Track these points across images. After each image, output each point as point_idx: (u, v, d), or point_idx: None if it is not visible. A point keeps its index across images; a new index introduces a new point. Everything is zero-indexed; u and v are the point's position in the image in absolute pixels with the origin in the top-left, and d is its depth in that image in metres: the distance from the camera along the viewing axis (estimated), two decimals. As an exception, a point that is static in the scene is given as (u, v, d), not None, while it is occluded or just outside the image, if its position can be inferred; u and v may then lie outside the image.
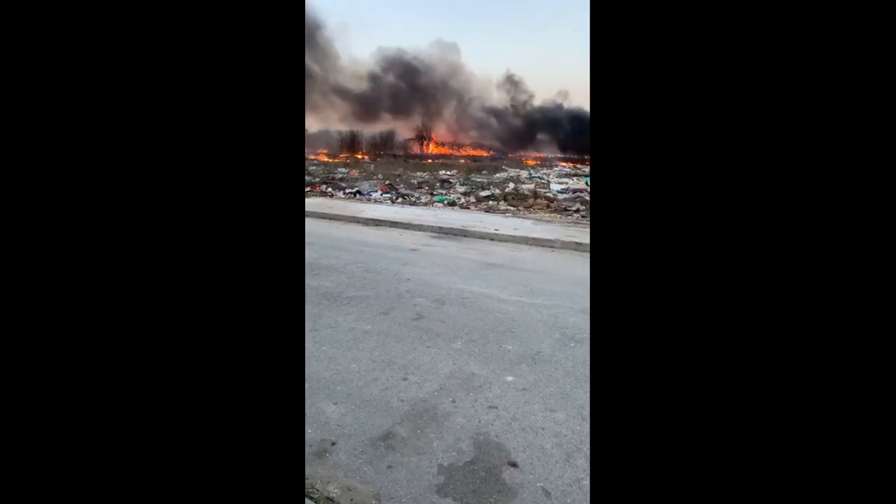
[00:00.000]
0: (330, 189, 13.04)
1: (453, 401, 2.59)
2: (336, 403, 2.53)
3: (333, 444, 2.20)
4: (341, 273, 5.02)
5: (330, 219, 8.69)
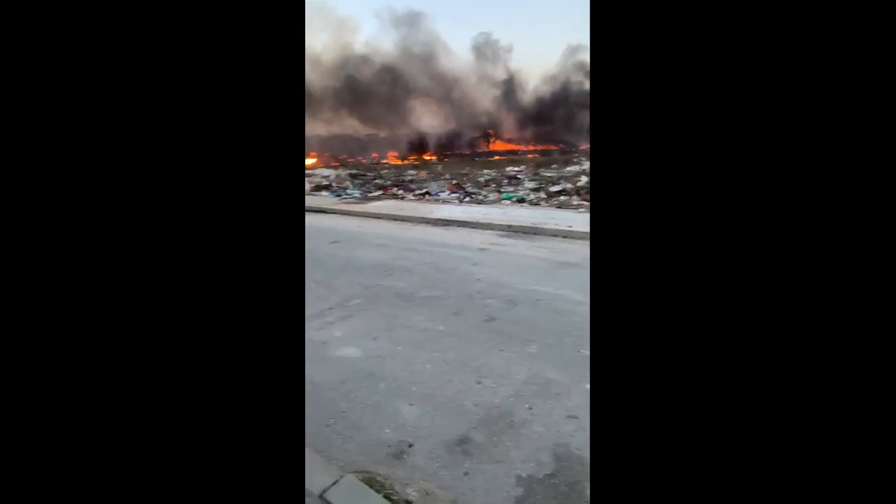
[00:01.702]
0: (401, 191, 13.46)
1: (530, 408, 2.50)
2: (412, 404, 2.57)
3: (411, 445, 2.22)
4: (414, 274, 5.13)
5: (401, 220, 8.95)
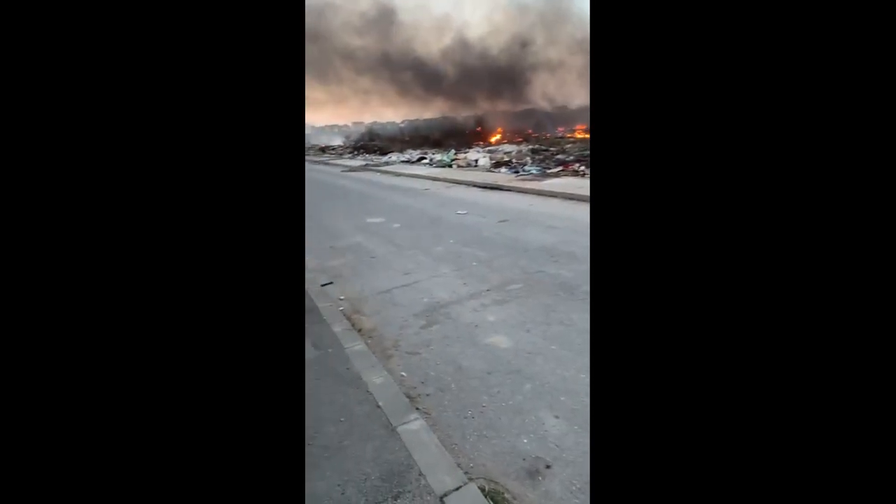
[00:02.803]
0: (582, 167, 12.47)
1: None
2: (557, 416, 2.26)
3: (548, 466, 1.95)
4: (581, 262, 4.62)
5: (577, 200, 8.26)
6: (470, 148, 23.08)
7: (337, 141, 48.38)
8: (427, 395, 2.53)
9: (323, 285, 4.39)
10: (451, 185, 12.02)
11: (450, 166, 16.97)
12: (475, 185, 11.22)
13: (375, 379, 2.53)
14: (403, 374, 2.76)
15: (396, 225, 7.15)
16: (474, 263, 4.87)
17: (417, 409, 2.36)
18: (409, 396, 2.48)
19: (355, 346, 2.95)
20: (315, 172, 19.25)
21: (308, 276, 4.56)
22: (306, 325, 3.31)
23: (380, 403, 2.30)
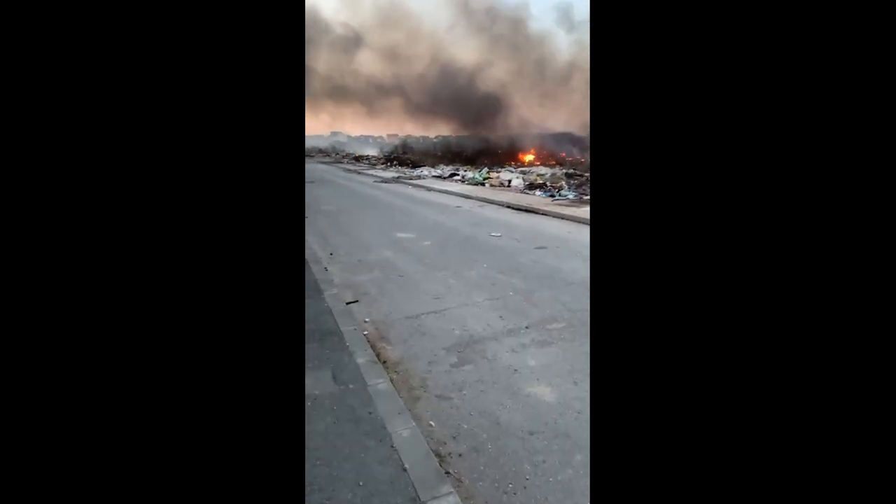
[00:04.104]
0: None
1: None
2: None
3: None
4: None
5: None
6: (502, 167, 22.84)
7: (371, 151, 49.20)
8: (459, 455, 2.15)
9: (348, 303, 4.10)
10: (484, 203, 11.71)
11: (482, 184, 16.71)
12: (509, 206, 10.87)
13: (402, 430, 2.17)
14: (432, 423, 2.39)
15: (427, 242, 6.86)
16: (511, 293, 4.48)
17: (448, 473, 1.99)
18: (438, 455, 2.11)
19: (379, 383, 2.61)
20: (348, 181, 19.37)
21: (333, 291, 4.29)
22: (327, 352, 3.00)
23: (406, 465, 1.93)
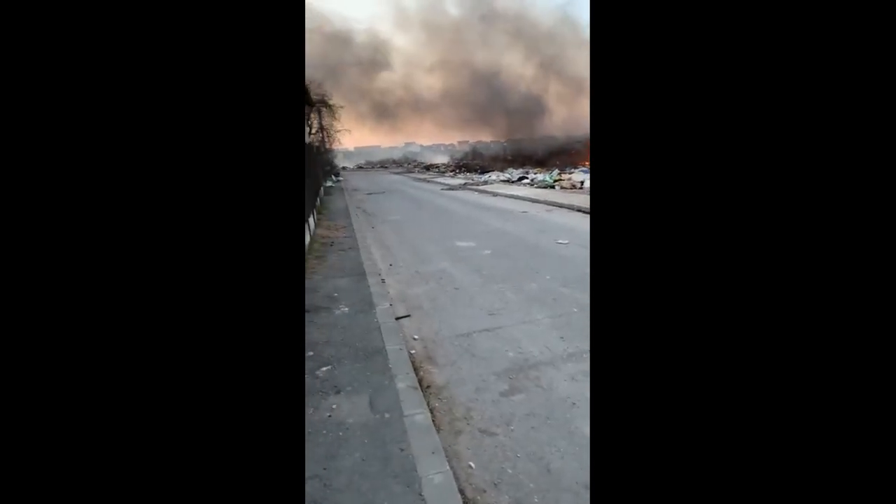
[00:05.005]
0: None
1: None
2: None
3: None
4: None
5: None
6: (575, 168, 21.74)
7: (442, 159, 50.01)
8: (499, 509, 1.86)
9: (398, 318, 3.97)
10: (553, 208, 11.11)
11: (552, 187, 15.99)
12: (580, 209, 10.16)
13: (433, 475, 1.93)
14: (472, 465, 2.12)
15: (487, 251, 6.57)
16: (575, 310, 4.04)
17: (484, 532, 1.70)
18: (474, 507, 1.84)
19: (417, 414, 2.40)
20: (415, 189, 19.74)
21: (386, 305, 4.20)
22: (368, 374, 2.87)
23: (432, 522, 1.69)
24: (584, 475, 2.02)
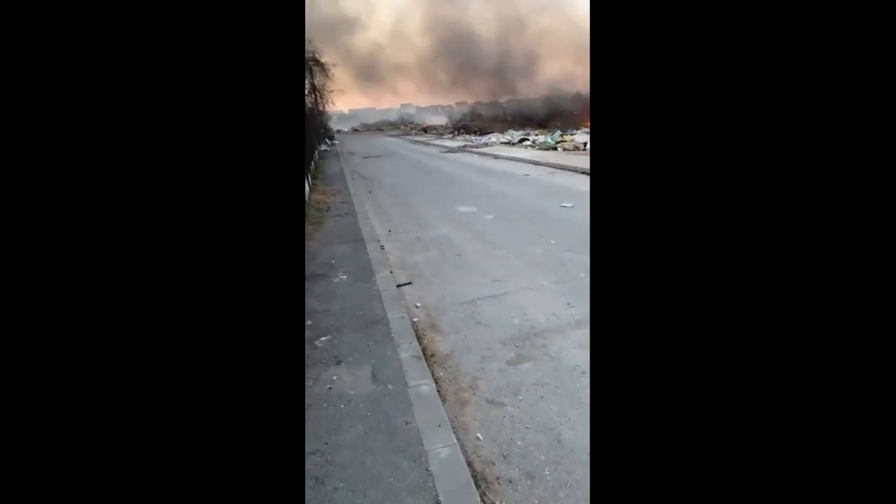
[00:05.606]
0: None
1: None
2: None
3: None
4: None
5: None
6: (577, 129, 21.12)
7: (440, 120, 48.61)
8: (510, 481, 1.79)
9: (399, 286, 3.85)
10: (555, 170, 10.81)
11: (554, 149, 15.56)
12: (584, 172, 9.88)
13: (440, 448, 1.86)
14: (479, 436, 2.05)
15: (489, 216, 6.39)
16: (581, 275, 3.92)
17: (494, 506, 1.64)
18: (484, 480, 1.78)
19: (422, 385, 2.31)
20: (412, 152, 19.23)
21: (386, 273, 4.07)
22: (370, 344, 2.77)
23: (440, 498, 1.62)
24: (597, 446, 1.96)
